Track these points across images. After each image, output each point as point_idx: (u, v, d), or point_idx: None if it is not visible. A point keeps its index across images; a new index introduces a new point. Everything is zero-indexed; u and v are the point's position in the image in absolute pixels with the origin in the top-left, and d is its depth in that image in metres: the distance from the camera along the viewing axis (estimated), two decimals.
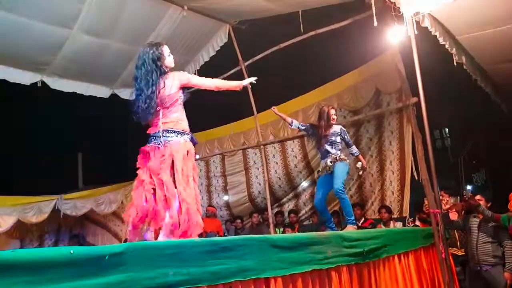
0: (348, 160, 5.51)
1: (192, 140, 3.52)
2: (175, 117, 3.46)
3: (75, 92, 8.30)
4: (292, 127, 5.98)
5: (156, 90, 3.39)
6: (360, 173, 6.02)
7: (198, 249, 2.45)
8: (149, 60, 3.44)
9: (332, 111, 5.62)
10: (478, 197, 5.39)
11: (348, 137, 5.72)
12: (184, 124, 3.53)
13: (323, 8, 7.16)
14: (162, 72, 3.47)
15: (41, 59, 7.39)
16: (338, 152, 5.41)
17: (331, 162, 5.33)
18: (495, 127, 10.85)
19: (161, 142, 3.36)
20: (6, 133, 11.20)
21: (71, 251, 1.80)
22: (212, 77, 10.29)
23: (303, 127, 5.85)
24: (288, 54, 8.72)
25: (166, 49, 3.58)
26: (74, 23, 6.77)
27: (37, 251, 1.76)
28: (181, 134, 3.43)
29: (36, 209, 8.88)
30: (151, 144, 3.43)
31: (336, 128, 5.61)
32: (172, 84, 3.48)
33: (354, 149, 5.73)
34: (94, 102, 8.88)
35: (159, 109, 3.44)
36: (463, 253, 6.03)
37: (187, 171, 3.32)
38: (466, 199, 5.38)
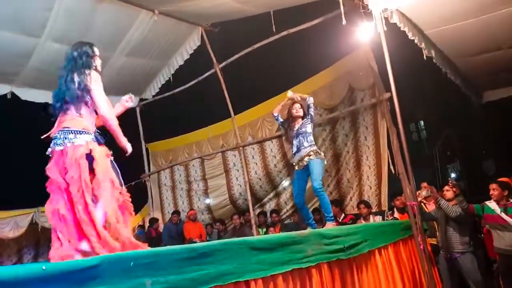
0: (323, 155, 5.46)
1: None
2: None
3: (48, 103, 8.13)
4: (274, 117, 5.85)
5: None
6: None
7: (175, 256, 2.43)
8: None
9: (297, 105, 5.55)
10: (446, 187, 5.50)
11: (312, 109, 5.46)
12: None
13: (294, 8, 7.21)
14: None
15: (9, 69, 7.24)
16: (314, 147, 5.36)
17: (307, 157, 5.31)
18: (467, 119, 11.11)
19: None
20: None
21: (43, 267, 1.77)
22: (187, 81, 10.31)
23: (280, 121, 5.78)
24: (262, 55, 8.76)
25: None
26: (42, 32, 6.65)
27: (7, 270, 1.72)
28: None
29: (13, 223, 8.68)
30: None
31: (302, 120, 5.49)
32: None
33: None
34: None
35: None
36: None
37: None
38: (451, 186, 5.47)
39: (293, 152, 5.50)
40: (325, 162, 5.53)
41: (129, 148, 3.37)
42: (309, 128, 5.42)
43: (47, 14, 6.38)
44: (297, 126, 5.45)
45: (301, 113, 5.51)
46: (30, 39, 6.74)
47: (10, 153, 11.64)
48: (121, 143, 3.31)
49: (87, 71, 3.20)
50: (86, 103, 3.17)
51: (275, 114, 5.68)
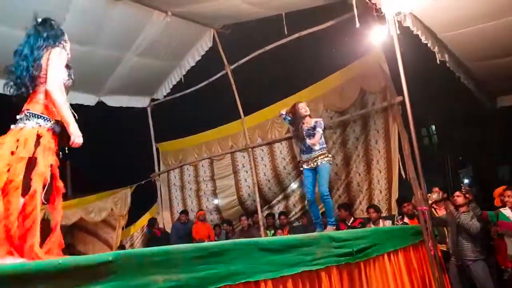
0: (331, 158, 5.49)
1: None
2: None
3: None
4: (282, 115, 5.73)
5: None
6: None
7: (187, 255, 2.45)
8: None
9: (300, 105, 5.49)
10: (457, 193, 5.46)
11: (321, 129, 5.37)
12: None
13: (306, 11, 7.22)
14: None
15: None
16: (325, 149, 5.35)
17: (317, 159, 5.25)
18: (480, 124, 11.01)
19: None
20: None
21: (59, 262, 1.80)
22: (198, 82, 10.35)
23: (288, 119, 5.68)
24: (273, 57, 8.78)
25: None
26: None
27: (25, 264, 1.75)
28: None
29: None
30: None
31: (313, 121, 5.42)
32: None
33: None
34: (80, 109, 8.81)
35: None
36: None
37: None
38: (464, 193, 5.43)
39: (302, 150, 5.46)
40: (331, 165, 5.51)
41: (77, 139, 2.83)
42: (319, 129, 5.37)
43: (63, 14, 6.44)
44: (306, 127, 5.41)
45: (308, 111, 5.48)
46: None
47: None
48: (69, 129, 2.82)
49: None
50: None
51: (283, 113, 5.64)
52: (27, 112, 2.78)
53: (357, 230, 5.23)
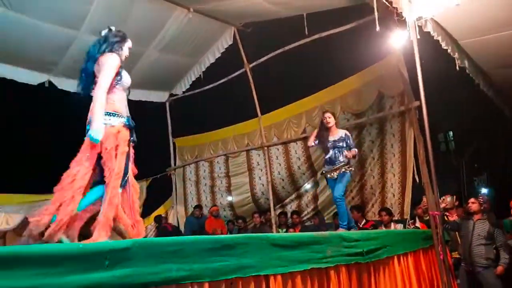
0: (353, 169, 5.72)
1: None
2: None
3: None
4: (312, 147, 6.14)
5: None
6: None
7: (200, 246, 2.55)
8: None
9: (327, 115, 5.70)
10: (472, 199, 5.45)
11: (352, 141, 5.71)
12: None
13: (327, 12, 7.24)
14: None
15: (48, 59, 7.52)
16: (348, 163, 5.54)
17: (340, 170, 5.47)
18: (498, 131, 10.88)
19: None
20: (13, 132, 11.34)
21: (80, 245, 1.90)
22: (217, 79, 10.44)
23: (317, 144, 5.89)
24: (293, 57, 8.82)
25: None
26: (81, 24, 6.90)
27: (48, 246, 1.86)
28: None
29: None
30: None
31: (341, 133, 5.66)
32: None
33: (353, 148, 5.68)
34: None
35: None
36: None
37: None
38: (482, 202, 5.43)
39: (326, 161, 5.67)
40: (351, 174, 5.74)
41: (93, 133, 2.86)
42: (344, 144, 5.56)
43: (88, 7, 6.61)
44: (332, 138, 5.60)
45: (332, 122, 5.66)
46: (70, 31, 6.99)
47: (44, 141, 12.03)
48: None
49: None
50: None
51: (312, 144, 5.84)
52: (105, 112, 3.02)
53: (369, 231, 5.28)
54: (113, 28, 3.42)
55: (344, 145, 5.54)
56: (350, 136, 5.70)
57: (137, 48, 7.96)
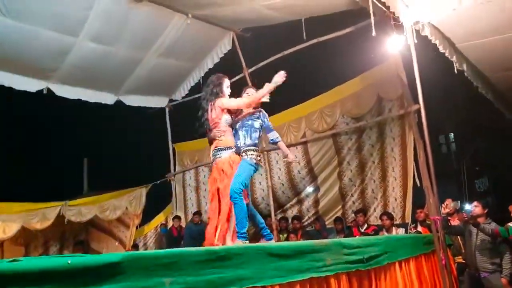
0: (255, 158, 4.33)
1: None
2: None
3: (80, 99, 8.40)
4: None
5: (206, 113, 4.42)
6: (288, 161, 4.80)
7: (195, 258, 2.49)
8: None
9: (250, 90, 4.80)
10: (474, 203, 5.38)
11: (268, 121, 4.66)
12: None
13: (325, 17, 7.21)
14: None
15: (47, 66, 7.50)
16: (251, 145, 4.37)
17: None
18: (499, 134, 10.83)
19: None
20: (11, 139, 11.33)
21: (69, 261, 1.85)
22: None
23: None
24: (292, 61, 8.78)
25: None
26: (80, 31, 6.89)
27: (35, 262, 1.81)
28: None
29: (41, 215, 8.90)
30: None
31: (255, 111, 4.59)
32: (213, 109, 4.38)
33: (274, 134, 4.60)
34: (99, 108, 8.98)
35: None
36: None
37: None
38: (466, 219, 5.35)
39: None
40: (255, 167, 4.40)
41: (276, 79, 4.50)
42: (257, 123, 4.62)
43: (86, 13, 6.59)
44: (245, 114, 4.69)
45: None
46: (69, 38, 6.98)
47: (42, 148, 12.03)
48: (271, 89, 4.53)
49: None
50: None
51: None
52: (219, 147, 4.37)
53: (369, 238, 5.22)
54: None
55: (256, 125, 4.59)
56: (265, 115, 4.75)
57: (136, 53, 7.98)
